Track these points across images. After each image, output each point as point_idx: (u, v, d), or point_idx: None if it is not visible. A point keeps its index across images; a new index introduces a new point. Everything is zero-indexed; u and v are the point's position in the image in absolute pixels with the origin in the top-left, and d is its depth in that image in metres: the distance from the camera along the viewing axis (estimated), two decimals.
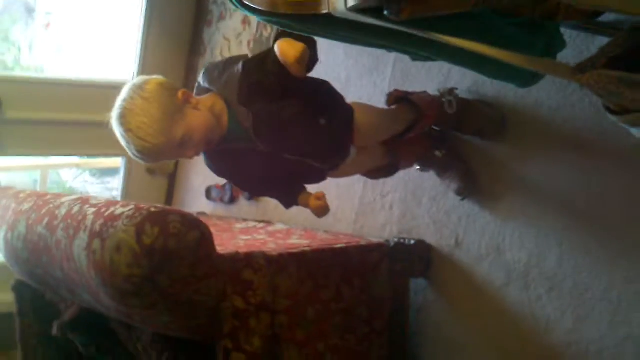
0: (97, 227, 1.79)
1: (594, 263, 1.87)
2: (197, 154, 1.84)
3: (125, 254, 1.65)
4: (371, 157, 2.16)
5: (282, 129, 1.80)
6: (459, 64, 1.66)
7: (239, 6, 1.37)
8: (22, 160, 4.11)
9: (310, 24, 1.32)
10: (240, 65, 1.76)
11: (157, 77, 1.73)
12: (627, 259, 1.79)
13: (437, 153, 2.21)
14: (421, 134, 2.18)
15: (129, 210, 1.76)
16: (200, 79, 1.88)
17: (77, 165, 4.73)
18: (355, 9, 1.00)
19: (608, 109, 1.31)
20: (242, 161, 1.92)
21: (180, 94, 1.73)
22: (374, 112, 2.08)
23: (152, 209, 1.74)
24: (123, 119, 1.66)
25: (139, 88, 1.68)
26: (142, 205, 1.79)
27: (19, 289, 2.85)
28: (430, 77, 2.36)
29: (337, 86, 2.03)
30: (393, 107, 2.13)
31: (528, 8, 1.12)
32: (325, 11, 1.02)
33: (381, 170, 2.24)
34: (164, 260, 1.67)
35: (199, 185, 3.86)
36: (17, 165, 4.39)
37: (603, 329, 1.84)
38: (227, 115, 1.81)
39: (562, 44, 1.59)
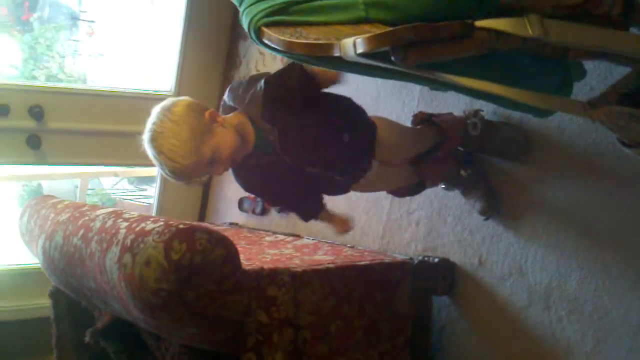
0: (128, 241, 1.87)
1: (614, 286, 1.89)
2: (226, 170, 1.90)
3: (154, 268, 1.72)
4: (398, 175, 2.20)
5: (306, 143, 1.86)
6: (473, 97, 1.69)
7: (257, 42, 1.43)
8: (64, 168, 4.22)
9: (325, 62, 1.37)
10: (262, 82, 1.81)
11: (185, 99, 1.78)
12: None
13: (463, 173, 2.24)
14: (447, 153, 2.21)
15: (159, 227, 1.83)
16: (226, 97, 1.94)
17: (116, 174, 4.85)
18: (364, 55, 1.04)
19: (622, 142, 1.33)
20: (268, 175, 1.98)
21: (207, 114, 1.77)
22: (397, 128, 2.13)
23: (181, 226, 1.81)
24: (154, 141, 1.73)
25: (167, 110, 1.74)
26: (172, 222, 1.85)
27: (56, 295, 2.94)
28: (458, 97, 2.39)
29: (368, 103, 2.08)
30: (418, 127, 2.17)
31: (537, 48, 1.15)
32: (337, 54, 1.07)
33: (408, 189, 2.28)
34: (191, 275, 1.73)
35: (232, 195, 3.93)
36: (59, 172, 4.52)
37: (623, 352, 1.86)
38: (252, 132, 1.86)
39: (581, 74, 1.61)
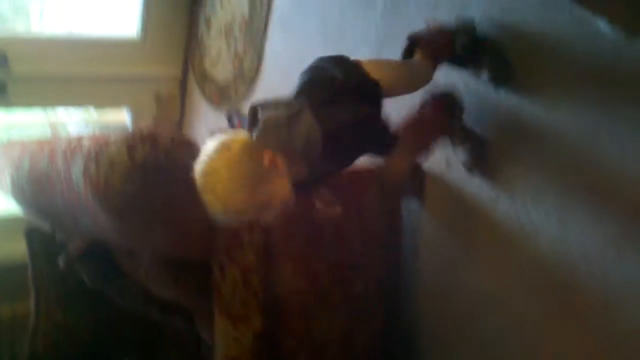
0: (92, 152, 1.87)
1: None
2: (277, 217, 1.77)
3: (118, 170, 1.72)
4: None
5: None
6: None
7: None
8: (32, 116, 4.18)
9: None
10: (312, 120, 1.61)
11: (244, 138, 1.57)
12: None
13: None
14: None
15: (122, 135, 1.83)
16: (261, 137, 1.62)
17: (86, 121, 4.80)
18: None
19: None
20: None
21: (267, 160, 1.54)
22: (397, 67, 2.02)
23: (144, 130, 1.81)
24: (207, 177, 1.54)
25: (225, 148, 1.55)
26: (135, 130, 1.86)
27: (30, 234, 2.95)
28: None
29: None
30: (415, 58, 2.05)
31: None
32: None
33: None
34: (156, 176, 1.74)
35: (204, 134, 3.92)
36: (27, 121, 4.46)
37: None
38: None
39: None
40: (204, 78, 4.06)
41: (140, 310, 2.57)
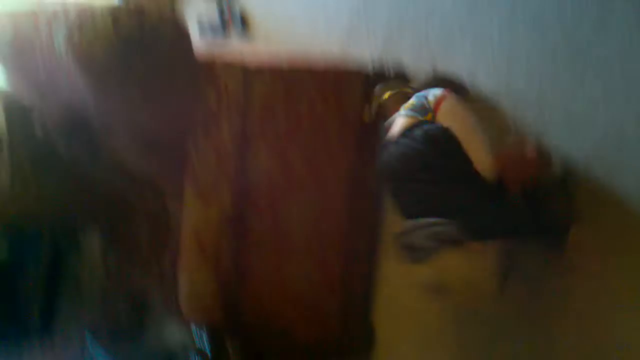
0: (77, 21, 1.84)
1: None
2: None
3: (102, 41, 1.74)
4: None
5: None
6: None
7: None
8: None
9: None
10: None
11: None
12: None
13: None
14: None
15: (109, 7, 1.81)
16: None
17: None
18: None
19: None
20: None
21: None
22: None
23: (132, 4, 1.79)
24: None
25: None
26: None
27: (9, 104, 2.92)
28: None
29: None
30: None
31: None
32: None
33: None
34: (139, 49, 1.74)
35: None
36: None
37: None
38: None
39: None
40: None
41: (113, 183, 2.59)
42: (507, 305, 2.07)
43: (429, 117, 1.77)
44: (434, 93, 1.82)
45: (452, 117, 1.77)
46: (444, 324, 2.34)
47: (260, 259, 2.24)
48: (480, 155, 1.74)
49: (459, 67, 2.20)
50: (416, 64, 2.34)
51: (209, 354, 2.42)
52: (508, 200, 1.82)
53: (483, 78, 2.14)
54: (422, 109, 1.79)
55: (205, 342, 2.36)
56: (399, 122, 1.84)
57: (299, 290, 2.39)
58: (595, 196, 1.86)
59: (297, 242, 2.34)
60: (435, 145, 1.74)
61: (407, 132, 1.78)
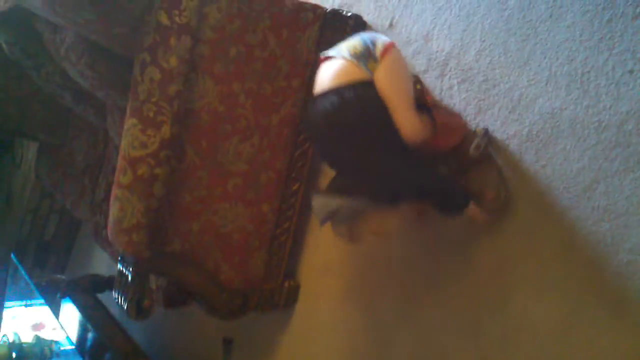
0: None
1: (508, 62, 1.95)
2: None
3: None
4: None
5: None
6: None
7: None
8: None
9: None
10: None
11: None
12: (538, 63, 1.87)
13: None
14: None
15: None
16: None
17: None
18: None
19: None
20: None
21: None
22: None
23: None
24: None
25: None
26: None
27: None
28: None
29: None
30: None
31: None
32: None
33: None
34: None
35: None
36: None
37: (498, 124, 1.96)
38: None
39: None
40: None
41: (54, 93, 2.53)
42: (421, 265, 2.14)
43: (370, 65, 1.74)
44: (382, 41, 1.79)
45: (391, 73, 1.76)
46: (364, 281, 2.38)
47: (193, 192, 2.22)
48: (407, 121, 1.74)
49: (416, 25, 2.20)
50: (375, 18, 2.34)
51: (131, 286, 2.38)
52: (427, 166, 1.87)
53: (437, 40, 2.14)
54: (366, 55, 1.76)
55: (129, 273, 2.32)
56: (337, 66, 1.80)
57: (227, 232, 2.38)
58: (522, 178, 1.91)
59: (233, 182, 2.32)
60: (365, 114, 1.73)
61: (340, 89, 1.75)
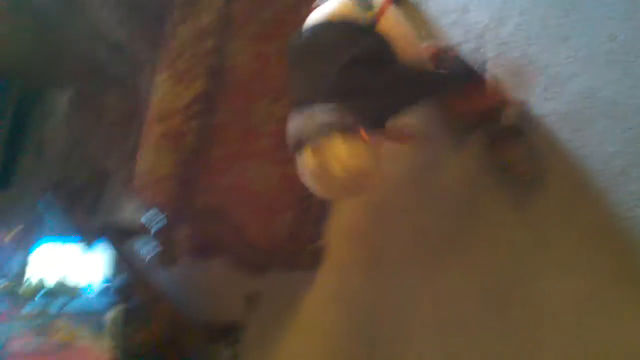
0: None
1: (545, 38, 1.92)
2: None
3: None
4: None
5: None
6: None
7: None
8: None
9: None
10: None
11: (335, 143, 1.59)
12: (577, 40, 1.84)
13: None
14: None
15: None
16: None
17: None
18: None
19: None
20: None
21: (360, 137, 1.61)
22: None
23: None
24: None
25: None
26: None
27: None
28: None
29: None
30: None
31: None
32: None
33: None
34: None
35: None
36: None
37: (533, 100, 1.94)
38: None
39: None
40: None
41: (89, 46, 2.55)
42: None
43: (369, 15, 1.71)
44: None
45: (397, 17, 1.77)
46: (389, 247, 2.39)
47: (223, 147, 2.24)
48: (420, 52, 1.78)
49: None
50: None
51: (159, 235, 2.43)
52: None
53: (475, 12, 2.11)
54: (366, 5, 1.73)
55: (157, 225, 2.37)
56: (338, 4, 1.76)
57: (256, 190, 2.39)
58: (555, 157, 1.89)
59: (263, 142, 2.32)
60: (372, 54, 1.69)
61: (332, 21, 1.72)
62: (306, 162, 1.60)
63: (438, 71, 1.87)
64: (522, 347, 1.90)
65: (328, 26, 1.70)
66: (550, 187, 1.89)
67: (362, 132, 1.58)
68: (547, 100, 1.90)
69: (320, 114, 1.60)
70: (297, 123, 1.66)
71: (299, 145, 1.63)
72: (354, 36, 1.67)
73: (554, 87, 1.89)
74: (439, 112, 2.16)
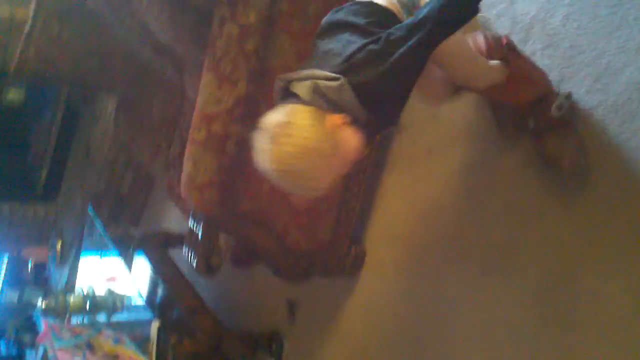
0: None
1: (596, 27, 1.86)
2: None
3: None
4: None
5: None
6: None
7: None
8: None
9: None
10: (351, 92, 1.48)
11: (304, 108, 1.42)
12: (629, 29, 1.78)
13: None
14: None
15: None
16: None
17: None
18: None
19: None
20: None
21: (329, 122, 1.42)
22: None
23: None
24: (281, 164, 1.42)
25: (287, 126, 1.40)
26: None
27: None
28: None
29: None
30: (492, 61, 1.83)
31: None
32: None
33: None
34: None
35: None
36: None
37: (582, 92, 1.88)
38: None
39: None
40: None
41: (134, 48, 2.57)
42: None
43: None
44: None
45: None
46: (432, 252, 2.34)
47: None
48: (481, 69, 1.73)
49: None
50: None
51: (201, 244, 2.42)
52: None
53: (523, 3, 2.07)
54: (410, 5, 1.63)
55: (199, 231, 2.36)
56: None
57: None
58: (604, 150, 1.82)
59: None
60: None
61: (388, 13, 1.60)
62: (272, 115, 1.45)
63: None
64: (574, 348, 1.83)
65: (368, 5, 1.60)
66: (598, 182, 1.83)
67: (336, 118, 1.42)
68: (596, 92, 1.84)
69: (320, 72, 1.46)
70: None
71: (284, 92, 1.52)
72: (392, 24, 1.53)
73: (604, 78, 1.83)
74: (487, 108, 2.11)
